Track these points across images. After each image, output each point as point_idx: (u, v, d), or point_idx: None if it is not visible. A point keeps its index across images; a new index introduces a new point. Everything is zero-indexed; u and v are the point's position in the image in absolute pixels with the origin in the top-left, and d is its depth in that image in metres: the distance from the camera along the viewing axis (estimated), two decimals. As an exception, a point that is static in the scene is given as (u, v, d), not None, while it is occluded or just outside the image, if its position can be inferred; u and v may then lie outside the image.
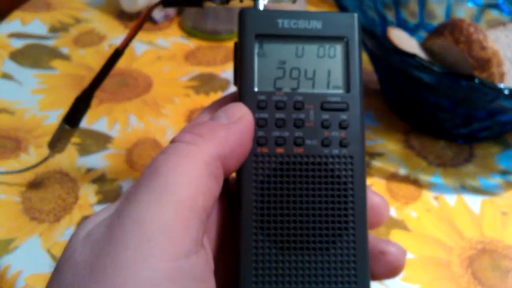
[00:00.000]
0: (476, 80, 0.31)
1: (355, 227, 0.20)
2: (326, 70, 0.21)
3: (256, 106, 0.20)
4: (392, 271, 0.21)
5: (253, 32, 0.21)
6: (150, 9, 0.27)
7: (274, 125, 0.20)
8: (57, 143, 0.31)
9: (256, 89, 0.20)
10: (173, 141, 0.18)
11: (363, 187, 0.20)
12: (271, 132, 0.20)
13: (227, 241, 0.20)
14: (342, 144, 0.20)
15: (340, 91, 0.21)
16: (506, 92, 0.31)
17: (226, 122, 0.19)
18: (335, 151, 0.20)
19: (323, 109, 0.20)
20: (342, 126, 0.20)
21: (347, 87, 0.21)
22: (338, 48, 0.21)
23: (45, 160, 0.32)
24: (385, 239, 0.22)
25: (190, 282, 0.16)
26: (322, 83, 0.21)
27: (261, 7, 0.24)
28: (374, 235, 0.21)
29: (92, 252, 0.16)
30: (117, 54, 0.28)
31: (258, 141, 0.20)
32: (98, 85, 0.29)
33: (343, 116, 0.20)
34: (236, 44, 0.21)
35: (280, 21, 0.21)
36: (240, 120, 0.19)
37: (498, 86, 0.31)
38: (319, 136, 0.20)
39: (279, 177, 0.20)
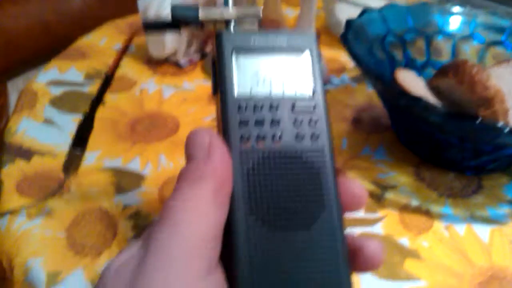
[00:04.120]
0: (478, 121, 0.34)
1: (330, 207, 0.23)
2: (294, 76, 0.25)
3: (237, 109, 0.23)
4: (371, 264, 0.23)
5: (230, 47, 0.24)
6: (132, 35, 0.31)
7: (254, 125, 0.23)
8: (70, 167, 0.35)
9: (236, 95, 0.24)
10: (174, 189, 0.22)
11: (333, 173, 0.23)
12: (252, 131, 0.23)
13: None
14: (312, 138, 0.24)
15: (306, 95, 0.24)
16: (506, 131, 0.34)
17: (203, 157, 0.22)
18: (307, 144, 0.24)
19: (294, 111, 0.24)
20: (311, 124, 0.24)
21: (312, 91, 0.25)
22: (303, 58, 0.25)
23: (62, 184, 0.35)
24: (363, 236, 0.24)
25: None
26: (291, 88, 0.24)
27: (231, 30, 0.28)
28: (361, 237, 0.24)
29: (124, 282, 0.19)
30: (108, 79, 0.32)
31: (241, 138, 0.23)
32: (95, 109, 0.32)
33: (311, 115, 0.24)
34: (213, 60, 0.25)
35: (252, 38, 0.25)
36: (212, 146, 0.22)
37: (499, 125, 0.34)
38: (293, 132, 0.24)
39: (262, 169, 0.23)
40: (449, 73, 0.42)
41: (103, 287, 0.20)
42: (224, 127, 0.23)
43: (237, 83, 0.24)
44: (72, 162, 0.34)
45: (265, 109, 0.24)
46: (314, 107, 0.24)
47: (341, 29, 0.46)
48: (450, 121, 0.36)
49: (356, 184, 0.24)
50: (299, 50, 0.25)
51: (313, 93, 0.25)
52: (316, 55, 0.25)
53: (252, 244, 0.22)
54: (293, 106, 0.24)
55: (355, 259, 0.23)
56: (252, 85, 0.24)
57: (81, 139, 0.34)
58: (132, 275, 0.19)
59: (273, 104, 0.24)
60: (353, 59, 0.41)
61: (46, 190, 0.40)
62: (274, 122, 0.24)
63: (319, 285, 0.22)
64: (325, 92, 0.25)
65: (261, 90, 0.24)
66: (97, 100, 0.32)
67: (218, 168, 0.22)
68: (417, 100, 0.36)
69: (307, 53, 0.25)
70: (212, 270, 0.20)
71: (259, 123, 0.23)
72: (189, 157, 0.23)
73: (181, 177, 0.22)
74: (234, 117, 0.23)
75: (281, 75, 0.25)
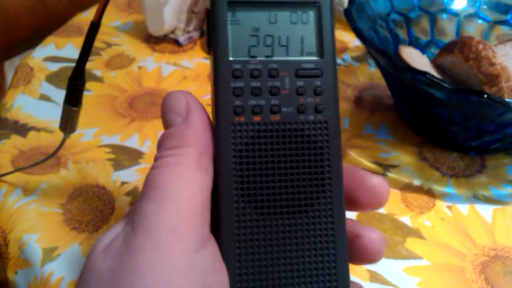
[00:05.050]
0: (485, 95, 0.33)
1: (332, 190, 0.20)
2: (300, 36, 0.21)
3: (232, 75, 0.20)
4: (368, 256, 0.21)
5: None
6: None
7: (250, 94, 0.20)
8: (67, 125, 0.33)
9: (231, 58, 0.21)
10: (156, 158, 0.21)
11: (338, 152, 0.21)
12: (248, 101, 0.20)
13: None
14: (317, 110, 0.21)
15: (314, 58, 0.21)
16: (513, 106, 0.33)
17: (181, 120, 0.20)
18: (311, 117, 0.21)
19: (298, 76, 0.21)
20: (317, 92, 0.21)
21: (321, 53, 0.21)
22: (311, 14, 0.21)
23: (63, 142, 0.34)
24: (363, 225, 0.22)
25: (202, 274, 0.18)
26: (296, 50, 0.21)
27: None
28: (362, 225, 0.22)
29: (113, 261, 0.18)
30: (94, 27, 0.29)
31: (235, 110, 0.20)
32: (85, 62, 0.30)
33: (317, 82, 0.21)
34: (208, 12, 0.21)
35: None
36: (190, 108, 0.21)
37: (506, 100, 0.33)
38: (295, 103, 0.21)
39: (257, 144, 0.20)
40: (455, 50, 0.41)
41: (91, 272, 0.19)
42: (215, 96, 0.21)
43: (232, 44, 0.21)
44: (68, 119, 0.32)
45: (264, 74, 0.21)
46: (322, 73, 0.21)
47: (343, 7, 0.45)
48: (456, 97, 0.35)
49: (373, 175, 0.22)
50: (308, 4, 0.21)
51: (322, 55, 0.21)
52: (328, 10, 0.21)
53: (241, 229, 0.20)
54: (297, 71, 0.21)
55: (351, 248, 0.21)
56: (250, 46, 0.21)
57: (74, 96, 0.32)
58: (120, 256, 0.18)
59: (274, 68, 0.21)
60: (356, 34, 0.40)
61: (43, 166, 0.39)
62: (274, 91, 0.21)
63: (313, 274, 0.20)
64: (335, 56, 0.22)
65: (260, 51, 0.21)
66: (84, 51, 0.29)
67: (199, 131, 0.20)
68: (422, 74, 0.35)
69: (317, 8, 0.21)
70: (205, 242, 0.19)
71: (256, 92, 0.21)
72: (167, 122, 0.21)
73: (163, 145, 0.21)
74: (227, 85, 0.20)
75: (285, 34, 0.21)
